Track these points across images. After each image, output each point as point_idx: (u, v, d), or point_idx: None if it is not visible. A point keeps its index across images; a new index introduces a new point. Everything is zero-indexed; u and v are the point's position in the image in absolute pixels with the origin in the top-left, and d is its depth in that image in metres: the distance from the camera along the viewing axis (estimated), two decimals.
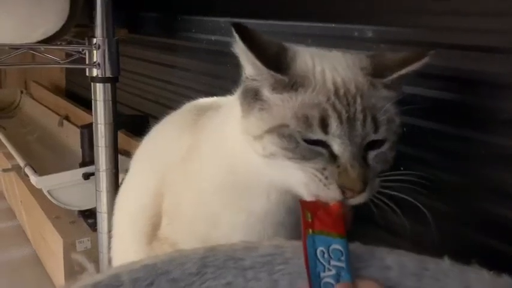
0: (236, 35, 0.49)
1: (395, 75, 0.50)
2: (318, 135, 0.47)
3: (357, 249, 0.47)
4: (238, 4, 1.00)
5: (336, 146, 0.47)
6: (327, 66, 0.51)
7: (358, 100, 0.48)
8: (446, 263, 0.46)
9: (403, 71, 0.50)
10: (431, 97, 0.64)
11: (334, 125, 0.47)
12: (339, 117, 0.47)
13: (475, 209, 0.62)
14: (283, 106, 0.50)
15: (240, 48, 0.50)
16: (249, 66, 0.51)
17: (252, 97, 0.52)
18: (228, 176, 0.58)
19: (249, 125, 0.52)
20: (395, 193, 0.50)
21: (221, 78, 1.08)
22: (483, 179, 0.61)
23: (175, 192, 0.65)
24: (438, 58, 0.63)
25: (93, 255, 1.12)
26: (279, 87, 0.50)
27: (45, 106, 1.96)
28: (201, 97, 0.77)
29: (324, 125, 0.47)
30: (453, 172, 0.64)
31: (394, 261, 0.48)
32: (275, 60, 0.50)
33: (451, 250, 0.47)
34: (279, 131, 0.49)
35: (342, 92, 0.49)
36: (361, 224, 0.52)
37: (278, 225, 0.59)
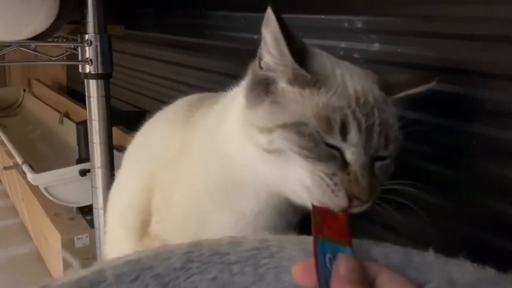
0: (273, 16, 0.46)
1: (403, 94, 0.51)
2: (337, 140, 0.46)
3: None
4: None
5: (350, 154, 0.46)
6: (346, 72, 0.50)
7: (376, 113, 0.47)
8: (430, 255, 0.46)
9: (411, 91, 0.51)
10: None
11: (353, 133, 0.46)
12: (359, 125, 0.46)
13: (465, 201, 0.62)
14: (303, 103, 0.47)
15: (271, 31, 0.47)
16: (273, 53, 0.48)
17: (263, 89, 0.50)
18: (220, 175, 0.58)
19: (255, 117, 0.50)
20: (392, 197, 0.50)
21: (216, 73, 1.07)
22: (475, 171, 0.60)
23: (166, 190, 0.65)
24: (428, 48, 0.63)
25: (92, 251, 1.13)
26: (298, 82, 0.48)
27: (47, 104, 1.97)
28: (197, 92, 0.76)
29: (344, 132, 0.46)
30: (444, 164, 0.63)
31: (379, 253, 0.47)
32: (300, 54, 0.48)
33: (439, 242, 0.47)
34: (298, 128, 0.46)
35: (362, 100, 0.47)
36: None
37: (270, 229, 0.58)
